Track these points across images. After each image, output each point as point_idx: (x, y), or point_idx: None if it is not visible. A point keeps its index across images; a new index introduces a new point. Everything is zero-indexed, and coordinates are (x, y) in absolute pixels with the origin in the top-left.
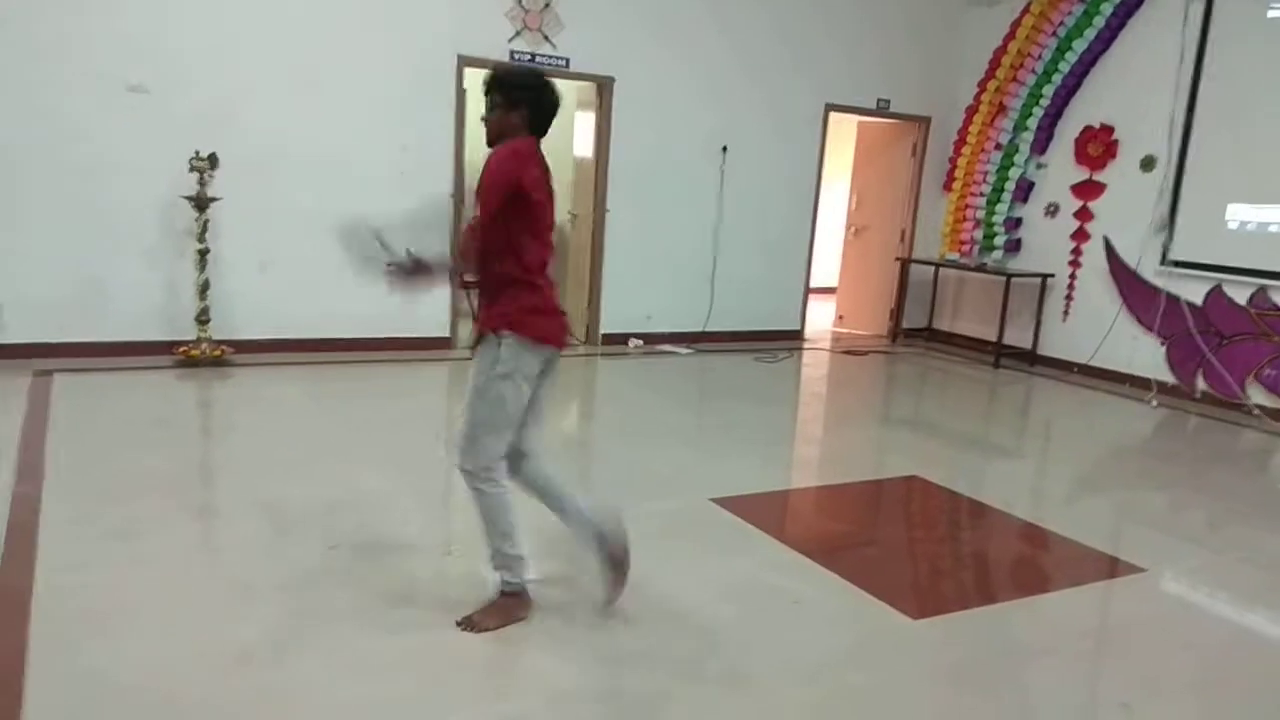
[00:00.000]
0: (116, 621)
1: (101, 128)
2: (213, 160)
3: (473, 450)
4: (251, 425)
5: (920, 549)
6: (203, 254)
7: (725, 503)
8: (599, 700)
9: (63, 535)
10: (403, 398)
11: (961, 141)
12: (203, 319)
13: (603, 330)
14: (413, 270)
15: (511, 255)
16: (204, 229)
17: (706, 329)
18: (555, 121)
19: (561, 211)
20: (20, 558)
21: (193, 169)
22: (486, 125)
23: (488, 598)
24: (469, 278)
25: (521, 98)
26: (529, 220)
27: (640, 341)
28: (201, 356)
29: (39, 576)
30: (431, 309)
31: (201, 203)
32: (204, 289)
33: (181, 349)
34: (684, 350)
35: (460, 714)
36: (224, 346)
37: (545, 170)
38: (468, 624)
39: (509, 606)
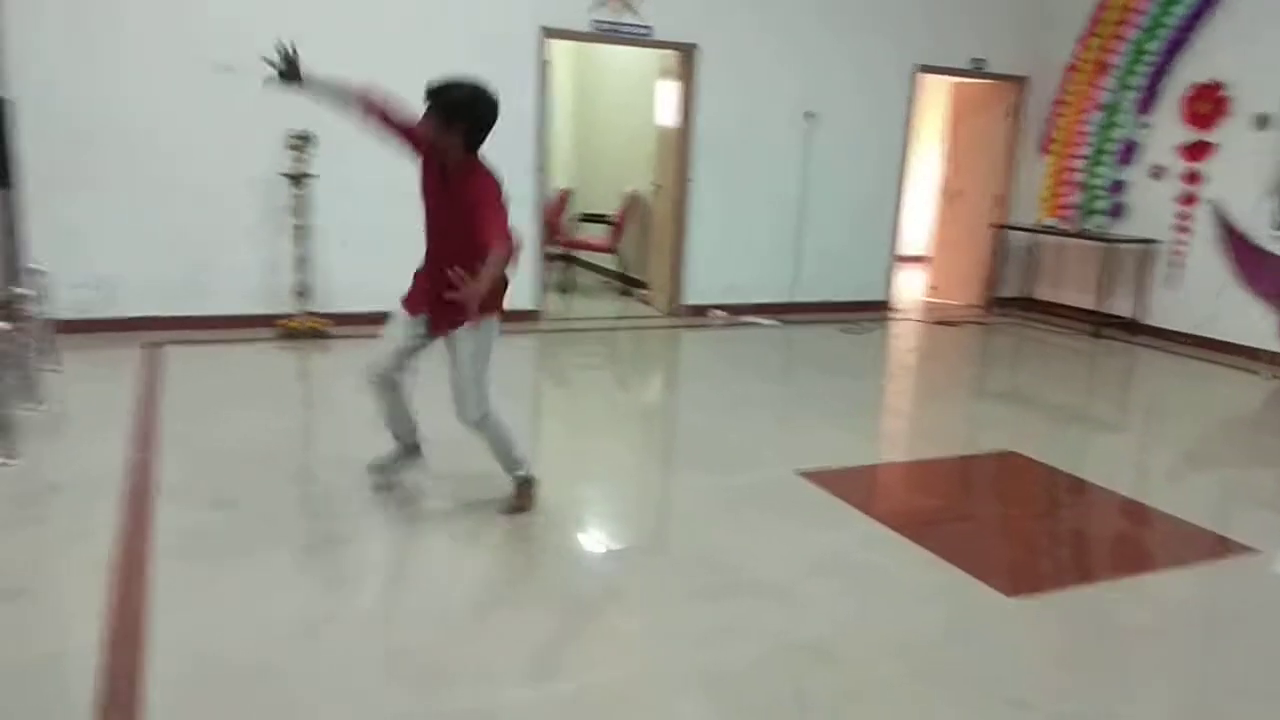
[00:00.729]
0: (226, 585)
1: (201, 109)
2: (308, 138)
3: (481, 399)
4: (348, 396)
5: (1015, 525)
6: (299, 229)
7: (812, 476)
8: (688, 672)
9: (175, 501)
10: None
11: (1061, 101)
12: (301, 293)
13: (685, 301)
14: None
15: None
16: (301, 205)
17: (791, 300)
18: (637, 91)
19: (644, 182)
20: (137, 523)
21: (290, 146)
22: (431, 138)
23: (507, 494)
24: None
25: (459, 118)
26: None
27: (723, 313)
28: (300, 329)
29: (154, 542)
30: (519, 282)
31: (298, 179)
32: (301, 263)
33: (281, 322)
34: (768, 321)
35: (565, 679)
36: (322, 319)
37: None
38: (513, 508)
39: (528, 489)
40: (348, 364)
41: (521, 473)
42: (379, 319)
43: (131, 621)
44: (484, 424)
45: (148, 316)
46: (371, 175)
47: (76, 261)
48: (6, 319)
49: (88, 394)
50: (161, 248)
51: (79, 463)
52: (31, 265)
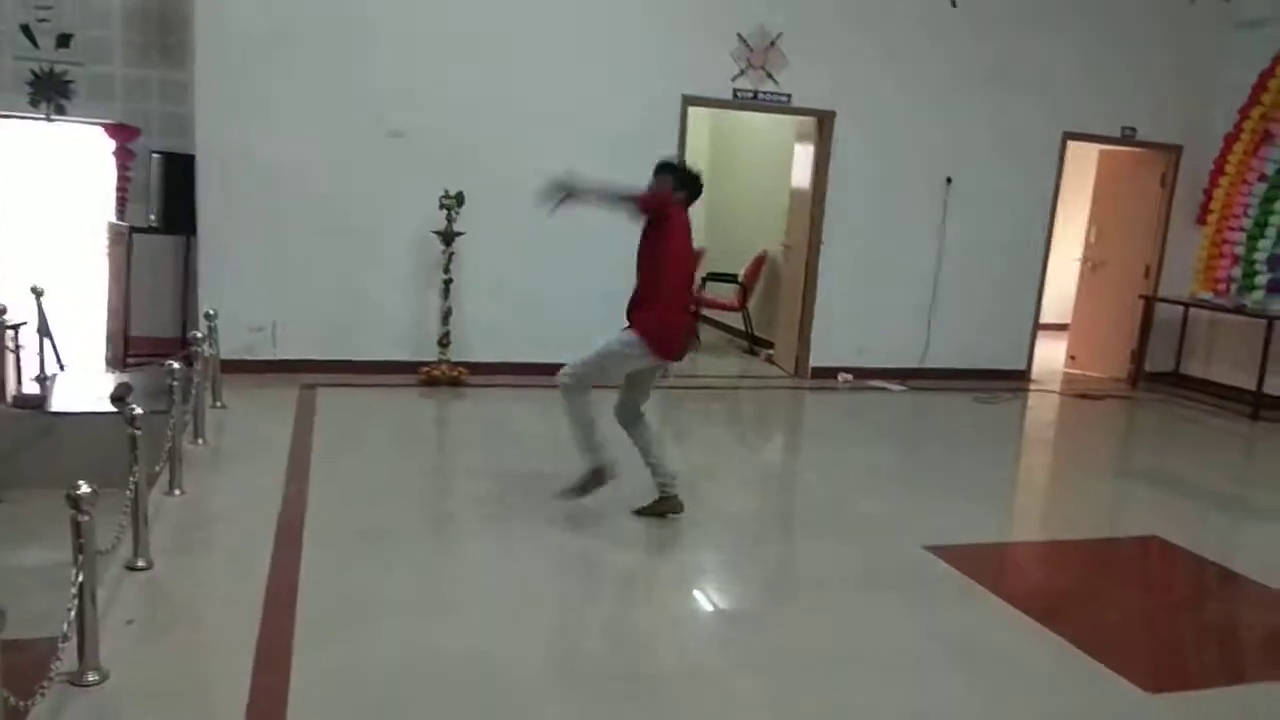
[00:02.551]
0: (368, 617)
1: (364, 170)
2: (460, 199)
3: (573, 375)
4: (481, 440)
5: (1158, 617)
6: (447, 284)
7: (939, 551)
8: None
9: (323, 535)
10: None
11: (1219, 172)
12: (444, 343)
13: (812, 363)
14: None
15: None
16: (449, 261)
17: (922, 365)
18: (771, 153)
19: (774, 242)
20: (288, 554)
21: (442, 206)
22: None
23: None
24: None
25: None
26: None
27: (850, 376)
28: (441, 377)
29: (304, 571)
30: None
31: (448, 237)
32: (446, 315)
33: (424, 369)
34: (896, 387)
35: None
36: (461, 368)
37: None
38: (569, 489)
39: (591, 480)
40: (480, 411)
41: (590, 462)
42: (512, 369)
43: (280, 648)
44: (564, 391)
45: (305, 360)
46: (513, 233)
47: (245, 306)
48: (183, 359)
49: (248, 431)
50: (321, 297)
51: (239, 495)
52: (207, 310)
